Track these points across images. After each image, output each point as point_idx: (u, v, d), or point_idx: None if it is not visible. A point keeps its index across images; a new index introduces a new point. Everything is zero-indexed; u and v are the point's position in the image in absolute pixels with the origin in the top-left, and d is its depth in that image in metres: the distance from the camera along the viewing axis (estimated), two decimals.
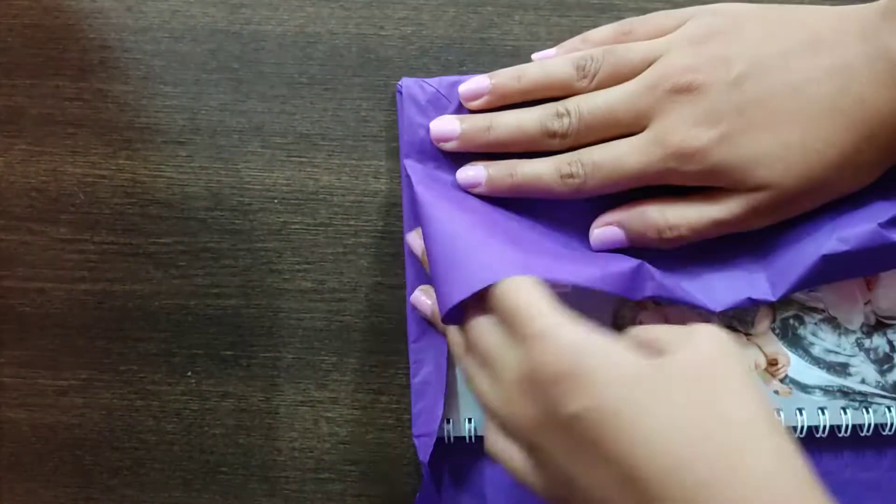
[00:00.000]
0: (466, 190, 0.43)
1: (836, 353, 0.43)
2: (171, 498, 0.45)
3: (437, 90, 0.44)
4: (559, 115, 0.41)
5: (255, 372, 0.45)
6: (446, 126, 0.43)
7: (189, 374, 0.45)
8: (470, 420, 0.43)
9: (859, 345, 0.43)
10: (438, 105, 0.44)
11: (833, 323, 0.43)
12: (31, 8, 0.47)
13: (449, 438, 0.43)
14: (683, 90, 0.39)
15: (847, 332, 0.43)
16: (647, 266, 0.41)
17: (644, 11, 0.45)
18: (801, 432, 0.42)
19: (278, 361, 0.45)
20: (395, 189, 0.45)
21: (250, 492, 0.45)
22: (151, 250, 0.46)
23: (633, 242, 0.42)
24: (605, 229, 0.42)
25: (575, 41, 0.44)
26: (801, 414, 0.42)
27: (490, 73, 0.43)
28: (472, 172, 0.43)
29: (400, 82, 0.45)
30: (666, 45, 0.41)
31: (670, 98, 0.39)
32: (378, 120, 0.46)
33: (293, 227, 0.46)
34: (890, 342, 0.43)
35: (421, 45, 0.46)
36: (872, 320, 0.43)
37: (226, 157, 0.46)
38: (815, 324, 0.43)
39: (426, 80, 0.44)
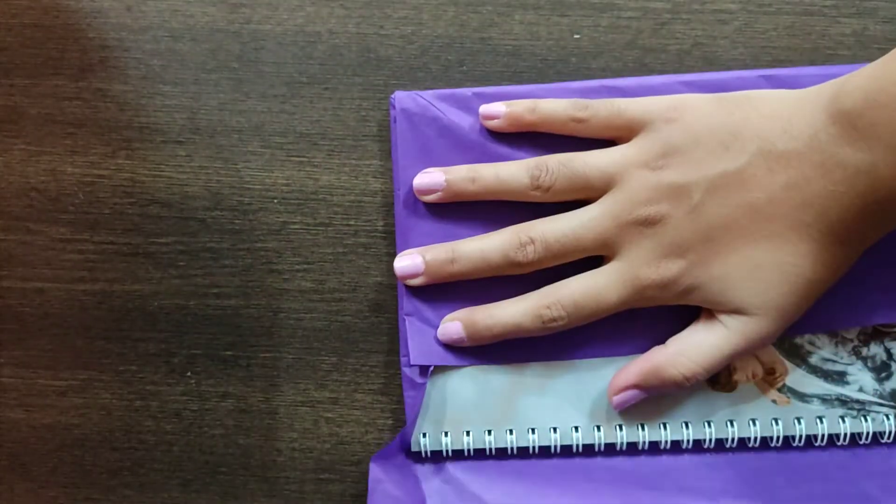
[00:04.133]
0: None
1: (834, 361, 0.42)
2: (170, 498, 0.45)
3: (430, 103, 0.44)
4: (523, 245, 0.41)
5: (255, 372, 0.45)
6: (408, 269, 0.43)
7: (189, 374, 0.45)
8: (468, 433, 0.43)
9: (856, 353, 0.42)
10: (431, 118, 0.44)
11: (830, 331, 0.43)
12: (31, 8, 0.46)
13: (447, 452, 0.43)
14: (647, 223, 0.40)
15: (844, 340, 0.43)
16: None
17: (644, 11, 0.45)
18: (799, 441, 0.42)
19: (278, 361, 0.45)
20: None
21: (250, 492, 0.45)
22: (151, 250, 0.46)
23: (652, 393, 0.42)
24: (624, 394, 0.42)
25: (524, 107, 0.43)
26: (799, 423, 0.42)
27: (444, 169, 0.43)
28: (453, 328, 0.43)
29: (392, 96, 0.45)
30: (622, 163, 0.41)
31: (635, 229, 0.40)
32: (378, 119, 0.46)
33: (293, 227, 0.46)
34: (887, 350, 0.43)
35: (421, 45, 0.46)
36: (869, 328, 0.43)
37: (225, 157, 0.46)
38: (812, 332, 0.43)
39: (420, 92, 0.44)
